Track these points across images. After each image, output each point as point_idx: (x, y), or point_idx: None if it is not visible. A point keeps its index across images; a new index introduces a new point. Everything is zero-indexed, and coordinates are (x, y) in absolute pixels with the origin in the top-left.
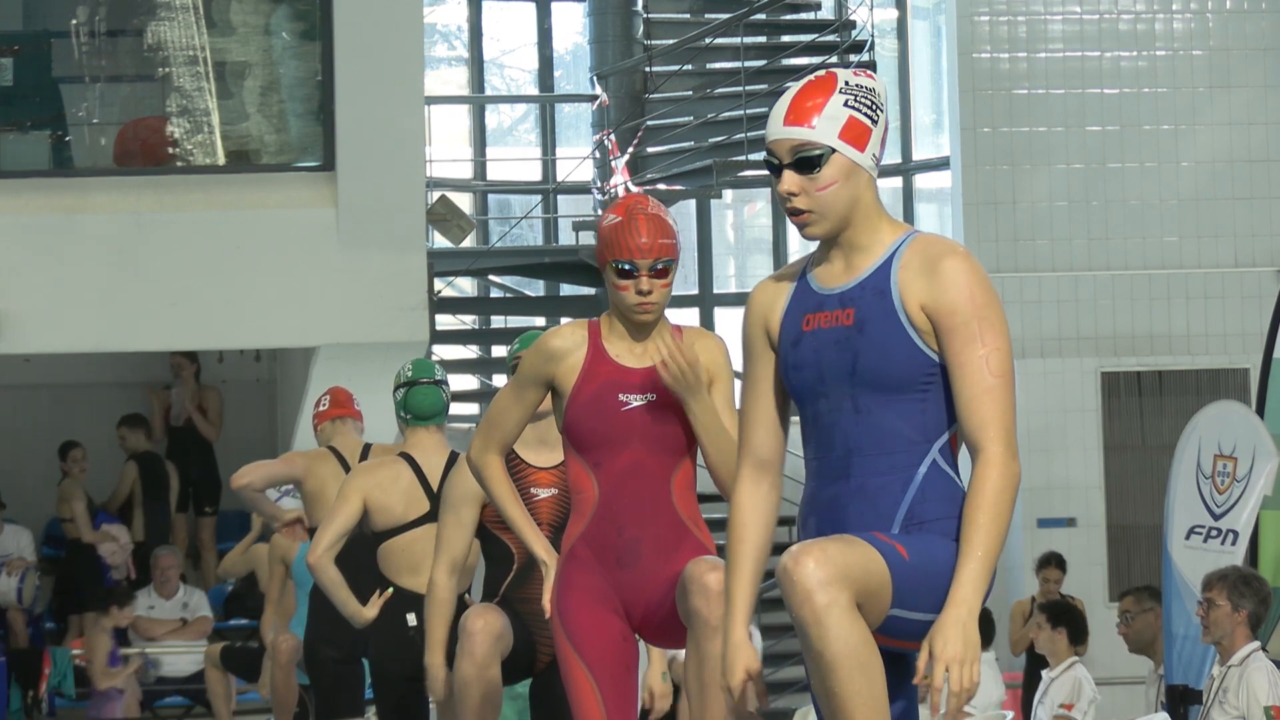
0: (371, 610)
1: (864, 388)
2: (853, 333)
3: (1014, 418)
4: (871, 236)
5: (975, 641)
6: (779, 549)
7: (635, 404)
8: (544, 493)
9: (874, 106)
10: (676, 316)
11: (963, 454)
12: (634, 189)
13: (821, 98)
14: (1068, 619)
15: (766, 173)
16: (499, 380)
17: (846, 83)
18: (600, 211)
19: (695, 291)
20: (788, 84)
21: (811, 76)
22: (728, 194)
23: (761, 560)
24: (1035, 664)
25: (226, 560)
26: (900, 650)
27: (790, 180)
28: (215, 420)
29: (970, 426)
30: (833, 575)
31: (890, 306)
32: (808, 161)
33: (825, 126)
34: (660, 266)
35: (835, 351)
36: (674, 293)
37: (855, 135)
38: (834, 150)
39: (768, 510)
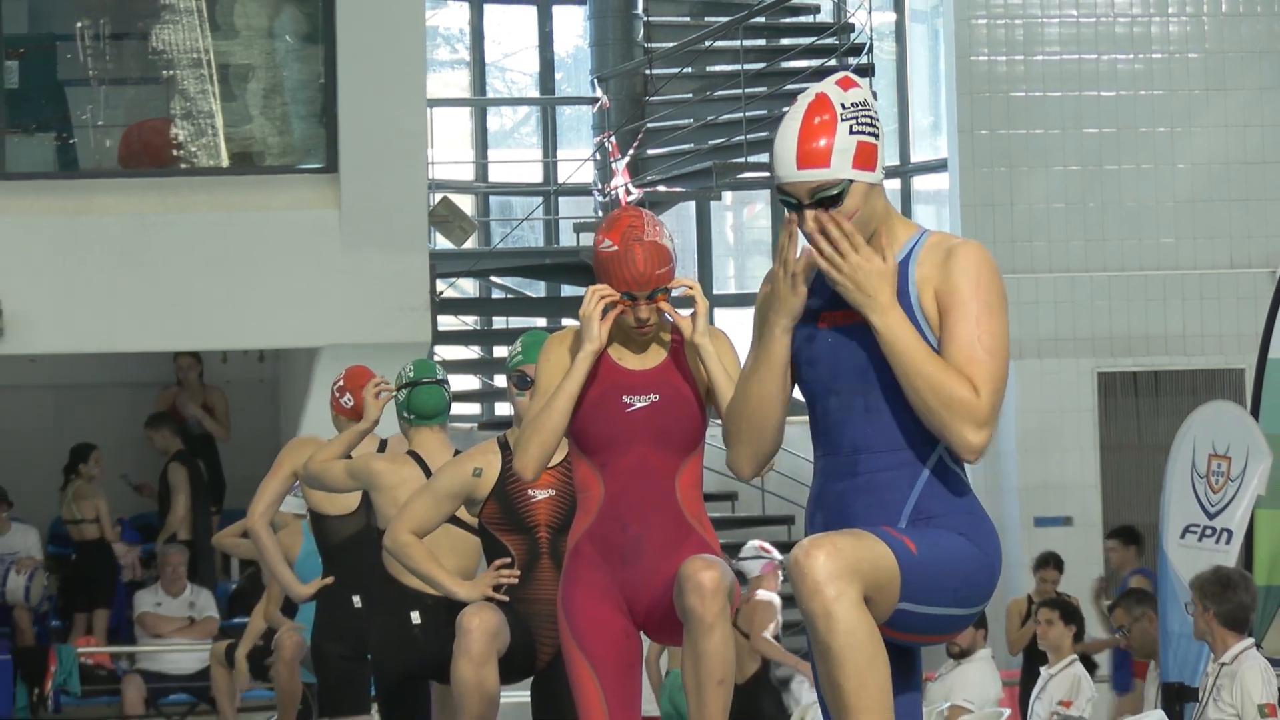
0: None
1: (877, 386)
2: (868, 330)
3: (1002, 393)
4: (886, 238)
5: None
6: (784, 548)
7: (639, 405)
8: (541, 494)
9: (873, 121)
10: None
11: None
12: (634, 191)
13: (828, 132)
14: (1078, 618)
15: (766, 174)
16: (500, 381)
17: (843, 105)
18: (601, 214)
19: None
20: (787, 86)
21: (805, 106)
22: (727, 196)
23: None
24: (1032, 661)
25: (225, 533)
26: (907, 644)
27: (816, 220)
28: (223, 419)
29: None
30: (843, 568)
31: (908, 305)
32: (829, 199)
33: (839, 161)
34: (659, 292)
35: (850, 349)
36: (673, 294)
37: (866, 159)
38: (851, 181)
39: None
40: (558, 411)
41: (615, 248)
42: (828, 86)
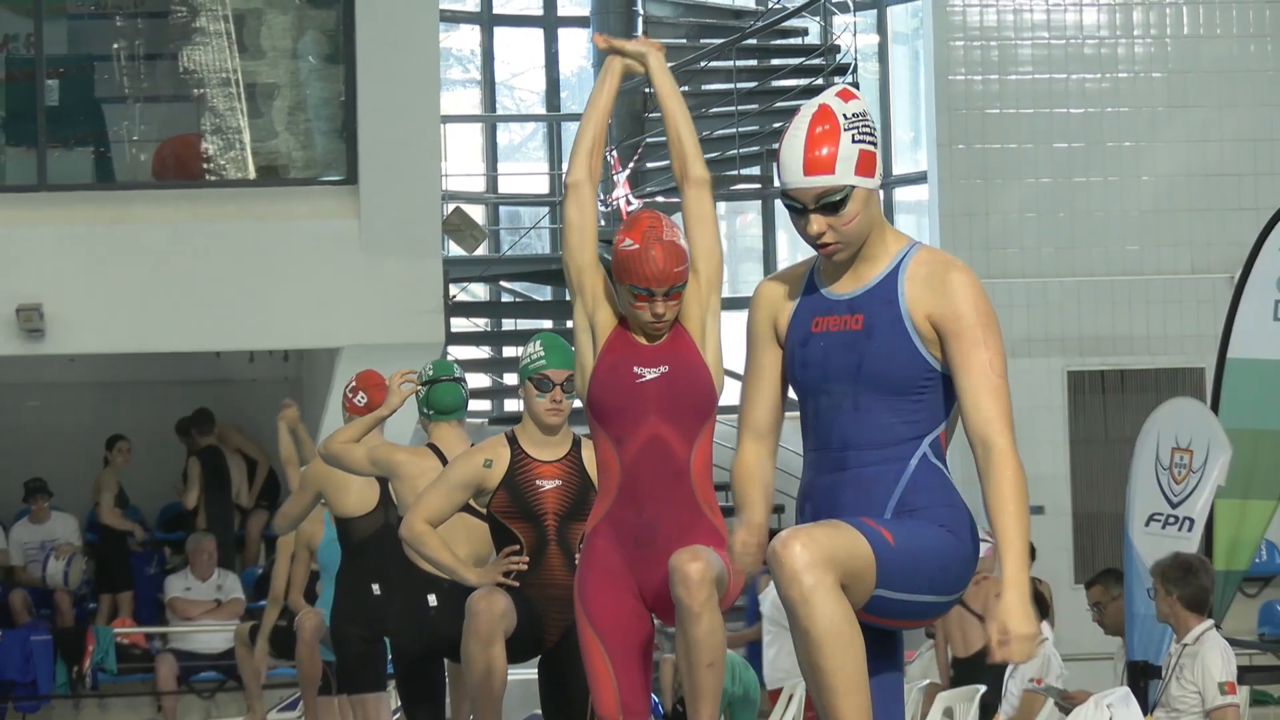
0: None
1: (866, 388)
2: (861, 337)
3: (1012, 415)
4: (879, 247)
5: (1035, 619)
6: (772, 533)
7: (650, 376)
8: (548, 484)
9: (872, 131)
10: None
11: (950, 449)
12: (634, 201)
13: (832, 141)
14: (1040, 601)
15: (758, 186)
16: (510, 379)
17: (845, 116)
18: (603, 223)
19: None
20: (777, 103)
21: (809, 116)
22: (721, 206)
23: (769, 490)
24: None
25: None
26: (886, 628)
27: (818, 222)
28: (248, 444)
29: (978, 421)
30: (818, 558)
31: (898, 315)
32: (833, 204)
33: (843, 168)
34: (674, 290)
35: (842, 353)
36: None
37: (867, 166)
38: (854, 187)
39: (768, 463)
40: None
41: (636, 246)
42: (829, 98)
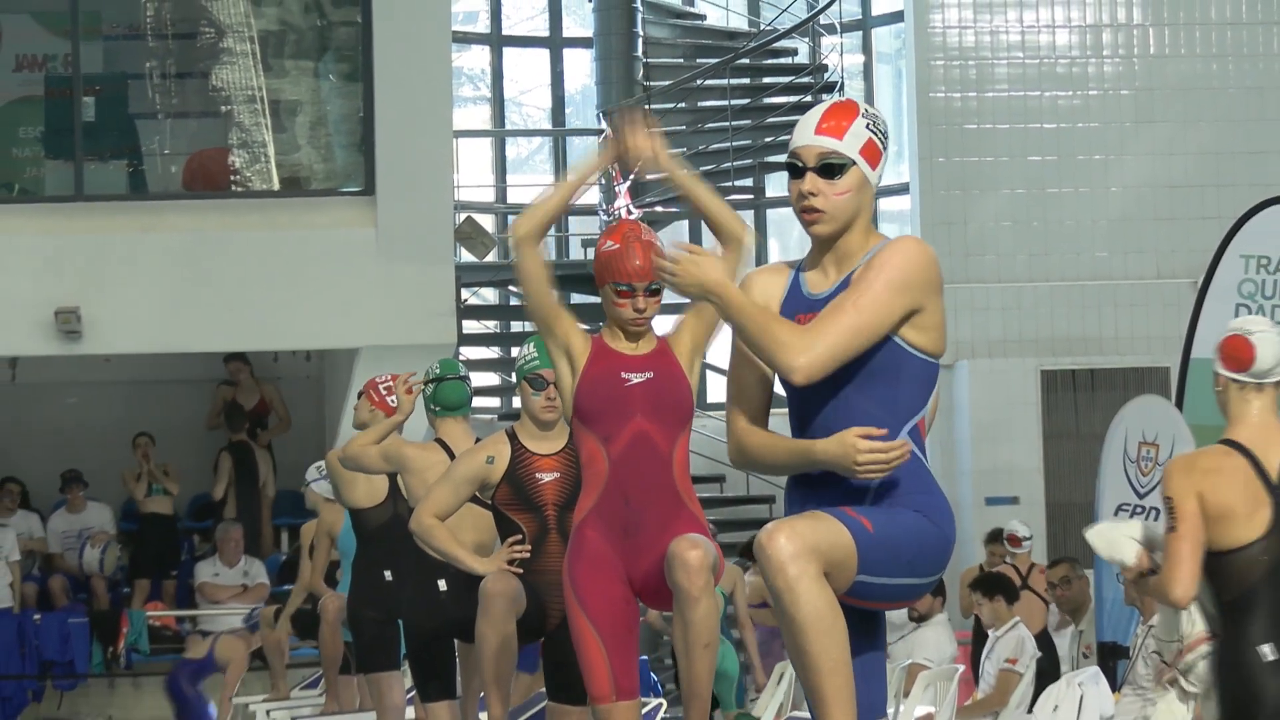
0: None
1: (847, 379)
2: None
3: (842, 343)
4: (860, 246)
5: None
6: (758, 524)
7: (636, 380)
8: (547, 477)
9: (885, 135)
10: (669, 322)
11: (929, 440)
12: (634, 211)
13: (848, 117)
14: (1000, 587)
15: (752, 196)
16: None
17: (866, 110)
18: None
19: (686, 299)
20: (768, 119)
21: (833, 100)
22: None
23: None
24: (983, 624)
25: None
26: (868, 610)
27: (813, 182)
28: (281, 410)
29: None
30: (801, 549)
31: None
32: (831, 168)
33: (851, 141)
34: (655, 288)
35: None
36: (665, 302)
37: (872, 155)
38: (854, 163)
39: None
40: (557, 194)
41: (617, 246)
42: (854, 100)
